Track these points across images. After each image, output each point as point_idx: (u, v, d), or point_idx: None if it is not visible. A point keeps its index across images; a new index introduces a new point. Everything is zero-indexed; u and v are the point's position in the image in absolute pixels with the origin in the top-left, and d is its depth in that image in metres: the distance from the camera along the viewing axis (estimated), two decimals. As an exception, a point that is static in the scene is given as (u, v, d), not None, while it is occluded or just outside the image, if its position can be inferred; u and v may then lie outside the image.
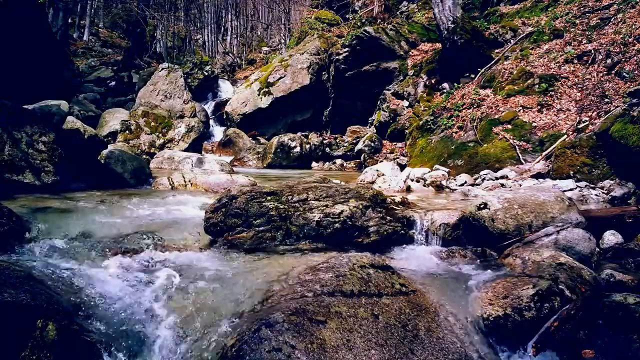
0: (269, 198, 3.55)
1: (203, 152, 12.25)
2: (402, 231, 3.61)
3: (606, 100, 6.80)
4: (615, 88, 6.95)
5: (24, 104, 5.19)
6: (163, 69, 13.48)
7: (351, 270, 2.42)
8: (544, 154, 6.63)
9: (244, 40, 31.39)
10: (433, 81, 11.26)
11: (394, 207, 3.90)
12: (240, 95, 15.38)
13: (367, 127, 12.82)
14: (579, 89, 7.67)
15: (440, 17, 10.39)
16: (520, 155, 6.89)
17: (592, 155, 5.72)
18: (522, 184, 5.71)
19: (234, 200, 3.51)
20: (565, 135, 6.63)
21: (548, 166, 6.29)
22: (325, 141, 12.46)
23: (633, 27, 7.97)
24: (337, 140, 12.65)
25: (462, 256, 3.27)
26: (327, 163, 11.70)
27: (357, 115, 13.45)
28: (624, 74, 7.09)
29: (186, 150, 10.94)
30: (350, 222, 3.41)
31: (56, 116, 5.24)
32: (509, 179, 6.14)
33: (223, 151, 13.07)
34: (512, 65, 9.05)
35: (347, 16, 18.96)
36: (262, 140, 13.88)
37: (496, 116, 7.89)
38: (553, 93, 7.79)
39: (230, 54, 28.52)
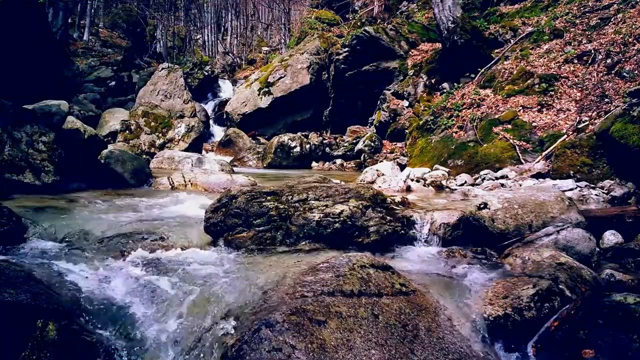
0: (269, 198, 3.55)
1: (203, 152, 12.24)
2: (402, 231, 3.61)
3: (606, 100, 6.79)
4: (615, 88, 6.95)
5: (24, 104, 5.19)
6: (163, 68, 13.47)
7: (351, 270, 2.42)
8: (544, 153, 6.63)
9: (244, 40, 31.39)
10: (433, 81, 11.25)
11: (394, 207, 3.90)
12: (240, 95, 15.38)
13: (367, 127, 12.81)
14: (579, 89, 7.67)
15: (440, 17, 10.39)
16: (520, 155, 6.89)
17: (592, 155, 5.72)
18: (522, 183, 5.71)
19: (234, 200, 3.51)
20: (565, 135, 6.63)
21: (548, 166, 6.28)
22: (325, 141, 12.45)
23: (633, 27, 7.97)
24: (337, 140, 12.64)
25: (462, 256, 3.27)
26: (327, 163, 11.69)
27: (357, 115, 13.44)
28: (624, 73, 7.09)
29: (186, 150, 10.93)
30: (350, 222, 3.41)
31: (56, 116, 5.24)
32: (509, 179, 6.14)
33: (223, 151, 13.07)
34: (512, 65, 9.05)
35: (347, 16, 18.94)
36: (262, 140, 13.88)
37: (496, 116, 7.89)
38: (553, 93, 7.79)
39: (230, 54, 28.51)
